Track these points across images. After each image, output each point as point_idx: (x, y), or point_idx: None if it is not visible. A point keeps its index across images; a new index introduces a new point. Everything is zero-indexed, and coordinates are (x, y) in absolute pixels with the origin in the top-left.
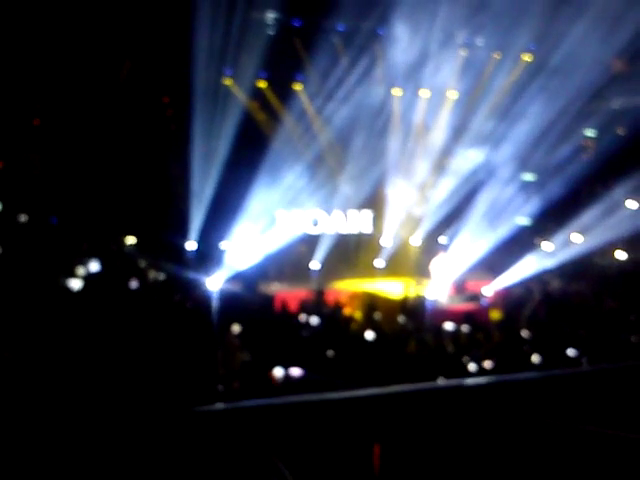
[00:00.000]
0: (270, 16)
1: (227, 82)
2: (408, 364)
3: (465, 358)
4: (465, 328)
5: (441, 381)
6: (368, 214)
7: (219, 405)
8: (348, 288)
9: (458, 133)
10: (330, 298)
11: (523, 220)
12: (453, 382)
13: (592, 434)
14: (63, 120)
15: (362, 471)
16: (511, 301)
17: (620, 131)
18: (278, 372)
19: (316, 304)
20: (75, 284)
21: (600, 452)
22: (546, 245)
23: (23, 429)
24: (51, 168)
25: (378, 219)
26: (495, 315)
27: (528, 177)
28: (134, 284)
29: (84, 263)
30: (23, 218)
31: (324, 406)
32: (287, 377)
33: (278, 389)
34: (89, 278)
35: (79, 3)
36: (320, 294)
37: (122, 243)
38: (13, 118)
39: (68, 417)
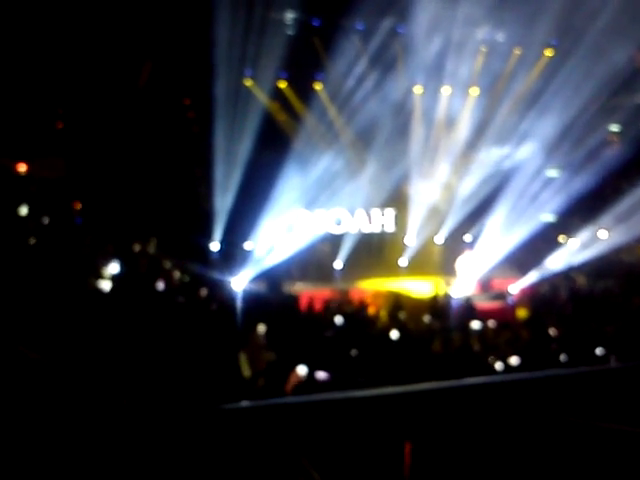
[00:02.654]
0: (289, 16)
1: (248, 83)
2: (434, 363)
3: (492, 357)
4: (491, 324)
5: (470, 379)
6: (391, 213)
7: (245, 403)
8: (372, 287)
9: (481, 130)
10: (355, 297)
11: (548, 217)
12: (483, 379)
13: (618, 433)
14: (86, 123)
15: (392, 470)
16: (538, 299)
17: None
18: (301, 370)
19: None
20: (105, 285)
21: (625, 451)
22: (572, 242)
23: (52, 426)
24: (75, 171)
25: (401, 218)
26: (522, 313)
27: (553, 173)
28: (160, 285)
29: (110, 265)
30: (48, 221)
31: (352, 404)
32: (312, 380)
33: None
34: (116, 279)
35: (101, 7)
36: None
37: (147, 245)
38: (36, 122)
39: (96, 413)
